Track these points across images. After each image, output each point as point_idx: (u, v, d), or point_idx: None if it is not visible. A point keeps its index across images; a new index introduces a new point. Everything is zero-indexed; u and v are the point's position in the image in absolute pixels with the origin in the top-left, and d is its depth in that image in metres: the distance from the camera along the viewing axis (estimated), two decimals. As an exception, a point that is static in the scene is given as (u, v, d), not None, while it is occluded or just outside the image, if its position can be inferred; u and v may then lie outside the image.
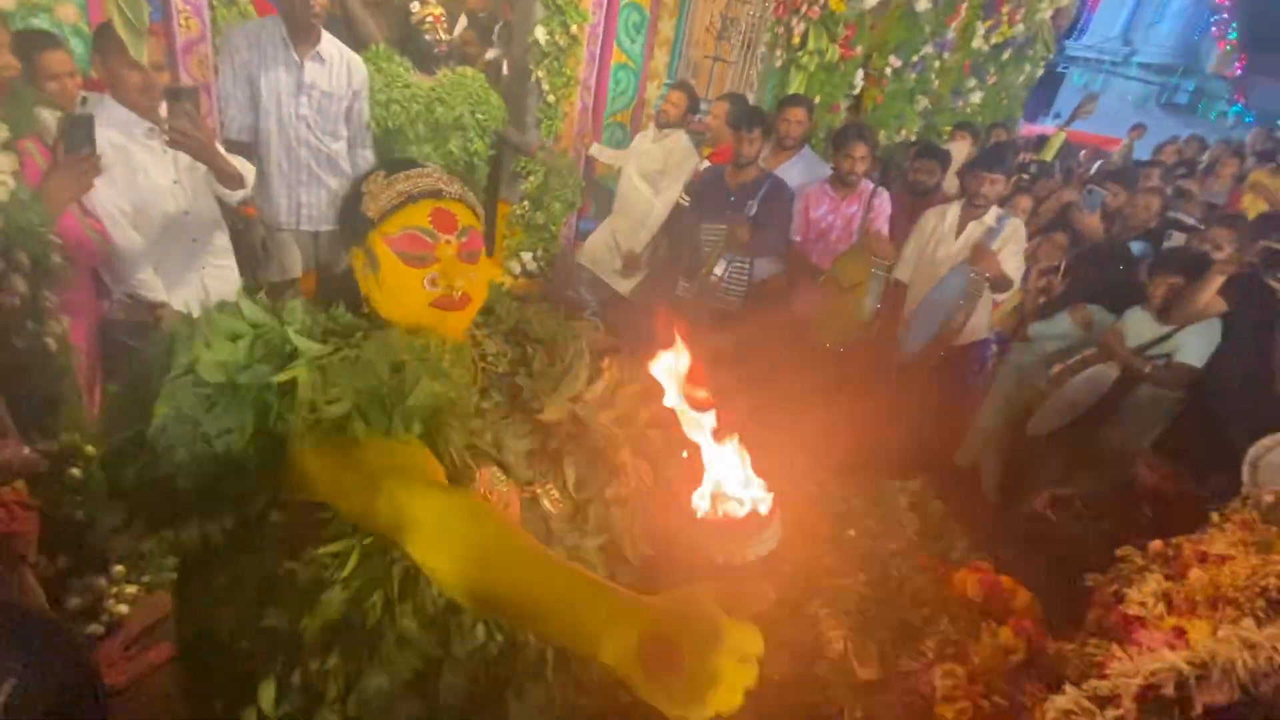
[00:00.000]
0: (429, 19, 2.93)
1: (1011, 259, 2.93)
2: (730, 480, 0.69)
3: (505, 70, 4.42)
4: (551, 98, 4.08)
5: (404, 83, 2.96)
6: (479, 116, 3.18)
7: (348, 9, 2.99)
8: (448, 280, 0.90)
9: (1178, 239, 3.15)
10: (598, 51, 4.18)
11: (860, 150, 3.03)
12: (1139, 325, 2.71)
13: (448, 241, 0.92)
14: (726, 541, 0.68)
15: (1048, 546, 2.37)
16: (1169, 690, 1.26)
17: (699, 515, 0.71)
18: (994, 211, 2.96)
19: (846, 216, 3.17)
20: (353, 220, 0.94)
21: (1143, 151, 7.65)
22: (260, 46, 2.59)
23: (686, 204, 3.36)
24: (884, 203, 3.16)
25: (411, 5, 2.92)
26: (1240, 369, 2.44)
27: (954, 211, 3.03)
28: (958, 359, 3.14)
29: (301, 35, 2.58)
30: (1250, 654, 1.20)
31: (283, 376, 0.76)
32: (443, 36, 3.03)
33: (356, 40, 2.94)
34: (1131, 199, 3.46)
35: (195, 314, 0.86)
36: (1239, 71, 11.04)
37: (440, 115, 3.05)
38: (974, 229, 2.94)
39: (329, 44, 2.68)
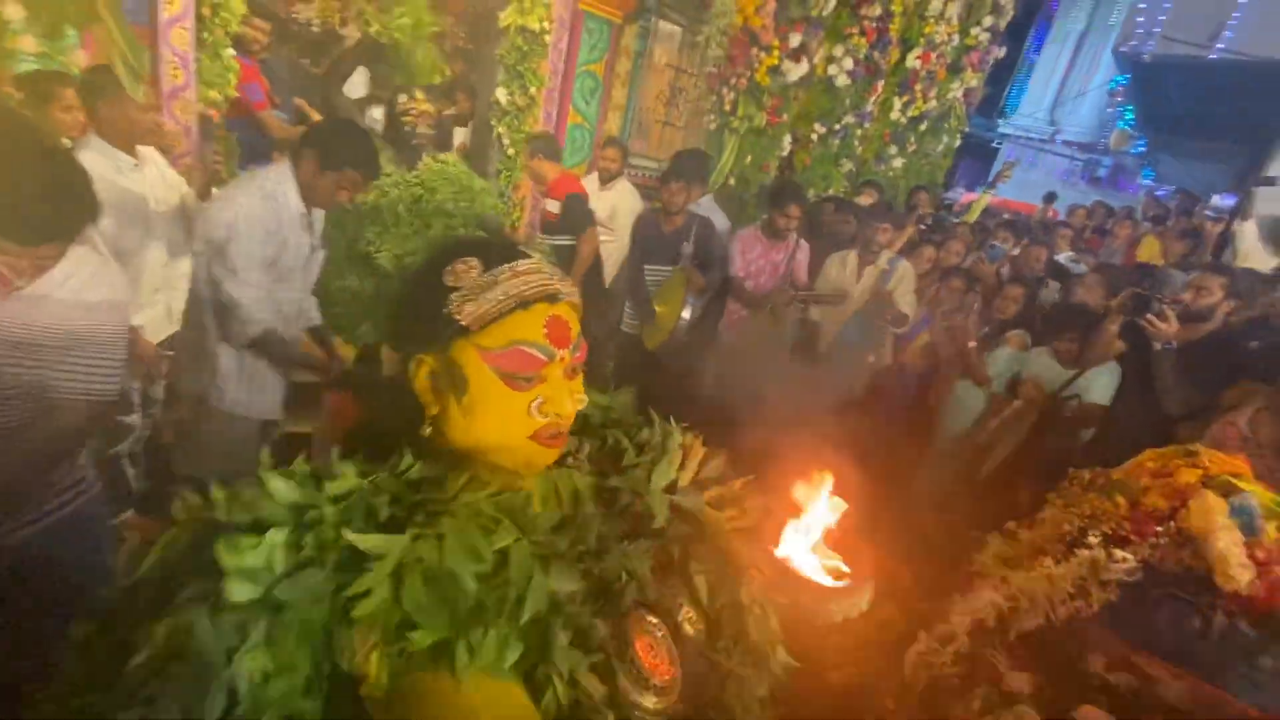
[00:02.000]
0: (412, 111, 2.93)
1: (904, 297, 3.34)
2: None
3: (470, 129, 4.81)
4: (511, 151, 4.47)
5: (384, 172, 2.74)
6: (462, 204, 3.00)
7: (331, 104, 3.13)
8: (557, 407, 0.71)
9: (1053, 286, 3.60)
10: (554, 112, 4.61)
11: (794, 210, 3.46)
12: (1048, 369, 3.03)
13: (562, 359, 0.72)
14: (822, 599, 0.76)
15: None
16: (990, 622, 1.52)
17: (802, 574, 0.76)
18: (885, 255, 3.38)
19: (774, 263, 3.57)
20: (425, 322, 0.71)
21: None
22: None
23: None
24: (804, 253, 3.58)
25: (399, 98, 2.98)
26: (1135, 399, 2.75)
27: (852, 258, 3.44)
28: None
29: None
30: (1049, 585, 1.47)
31: (354, 590, 0.56)
32: (421, 131, 2.98)
33: None
34: (1025, 250, 3.93)
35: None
36: (1140, 149, 12.26)
37: (424, 201, 2.90)
38: (870, 273, 3.34)
39: None
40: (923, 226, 4.00)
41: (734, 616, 0.81)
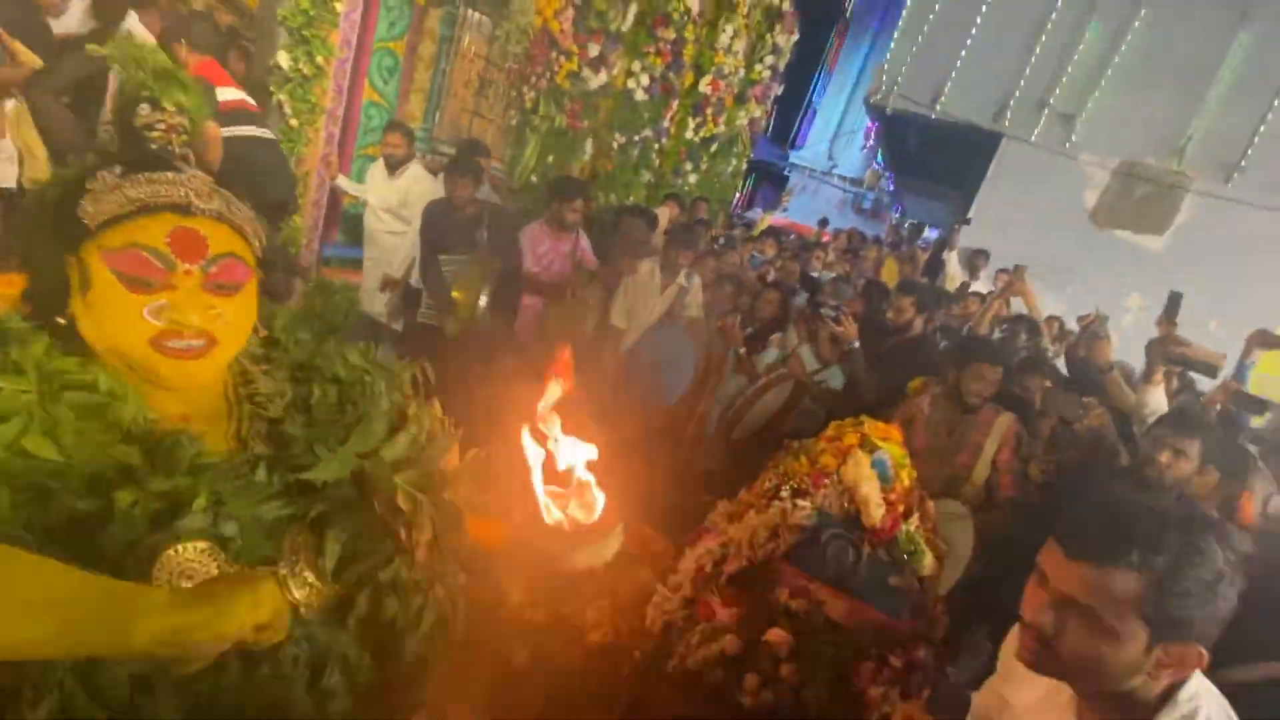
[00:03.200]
0: (159, 125, 2.32)
1: (693, 307, 3.72)
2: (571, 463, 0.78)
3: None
4: (295, 121, 4.13)
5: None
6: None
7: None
8: (178, 314, 0.71)
9: (802, 295, 4.26)
10: (346, 85, 4.35)
11: (579, 204, 3.66)
12: (808, 358, 3.56)
13: (188, 271, 0.71)
14: (568, 546, 0.75)
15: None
16: (708, 567, 1.79)
17: (547, 521, 0.76)
18: (684, 272, 3.71)
19: (563, 253, 3.74)
20: (64, 221, 0.71)
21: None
22: None
23: None
24: (585, 240, 3.85)
25: (140, 109, 2.30)
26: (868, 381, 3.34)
27: (657, 272, 3.71)
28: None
29: None
30: (751, 532, 1.78)
31: None
32: (174, 148, 2.42)
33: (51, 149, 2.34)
34: (783, 264, 4.57)
35: None
36: (890, 187, 14.67)
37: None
38: (672, 289, 3.64)
39: None
40: (716, 246, 4.45)
41: (374, 603, 0.82)
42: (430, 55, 5.06)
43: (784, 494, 1.78)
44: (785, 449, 2.20)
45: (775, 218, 11.50)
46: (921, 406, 2.71)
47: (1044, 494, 2.36)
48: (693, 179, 6.30)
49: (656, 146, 5.37)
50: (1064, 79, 7.45)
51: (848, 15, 19.18)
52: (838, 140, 20.92)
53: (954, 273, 7.05)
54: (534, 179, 4.33)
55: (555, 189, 3.74)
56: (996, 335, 4.21)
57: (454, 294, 3.60)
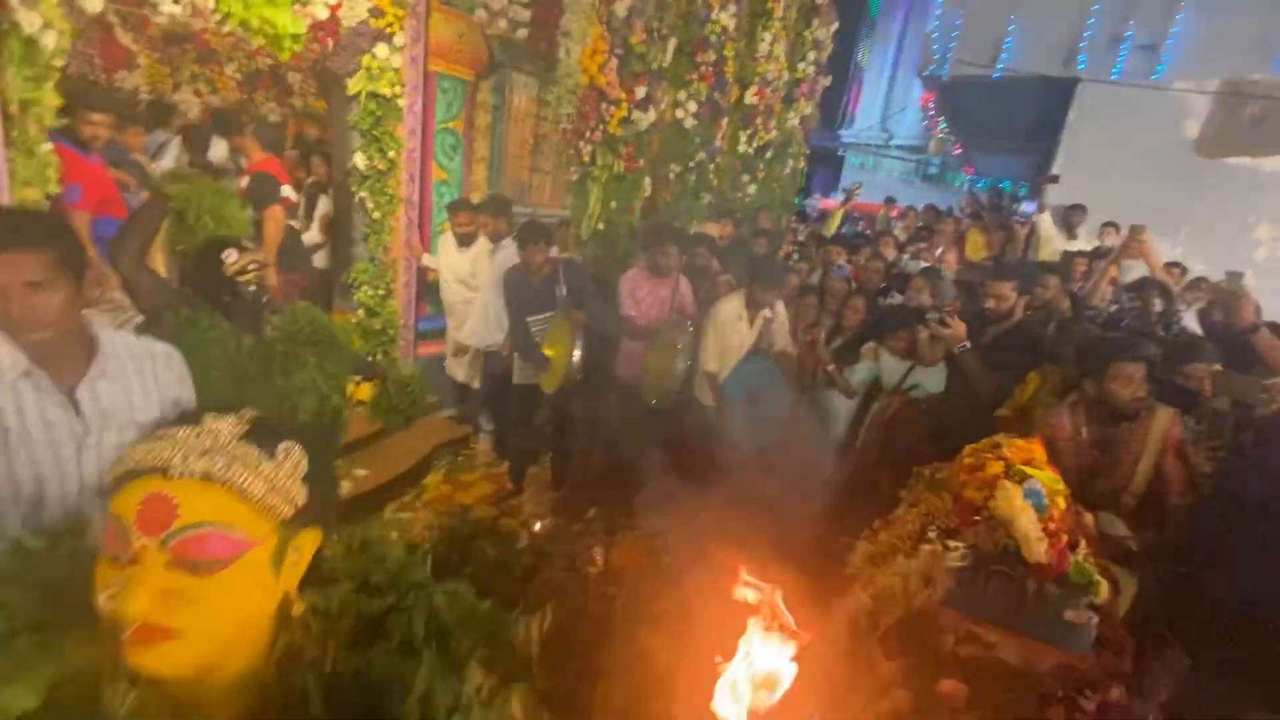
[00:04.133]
0: (251, 266, 2.15)
1: (783, 335, 3.66)
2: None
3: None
4: (376, 214, 4.42)
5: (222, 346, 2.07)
6: (328, 368, 2.23)
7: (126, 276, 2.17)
8: (119, 600, 0.59)
9: (895, 297, 4.07)
10: (417, 171, 4.61)
11: (672, 249, 3.70)
12: (893, 369, 3.41)
13: (146, 545, 0.61)
14: None
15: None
16: (861, 619, 1.73)
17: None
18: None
19: (661, 298, 3.79)
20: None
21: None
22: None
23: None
24: (687, 286, 3.85)
25: (225, 255, 2.12)
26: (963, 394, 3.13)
27: (740, 304, 3.65)
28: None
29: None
30: (903, 581, 1.71)
31: None
32: (267, 285, 2.25)
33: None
34: (865, 267, 4.41)
35: None
36: (957, 151, 13.93)
37: (281, 382, 2.13)
38: (758, 322, 3.60)
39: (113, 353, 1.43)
40: (791, 262, 4.37)
41: None
42: (486, 125, 5.29)
43: (931, 535, 1.71)
44: (916, 477, 2.11)
45: (837, 200, 11.20)
46: (1062, 422, 2.46)
47: (1221, 485, 2.12)
48: (751, 189, 6.24)
49: (712, 166, 5.36)
50: (1139, 5, 6.86)
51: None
52: (889, 112, 20.22)
53: (1048, 235, 6.59)
54: (601, 226, 4.42)
55: (650, 236, 3.80)
56: (1122, 305, 3.88)
57: (547, 351, 3.73)
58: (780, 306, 3.71)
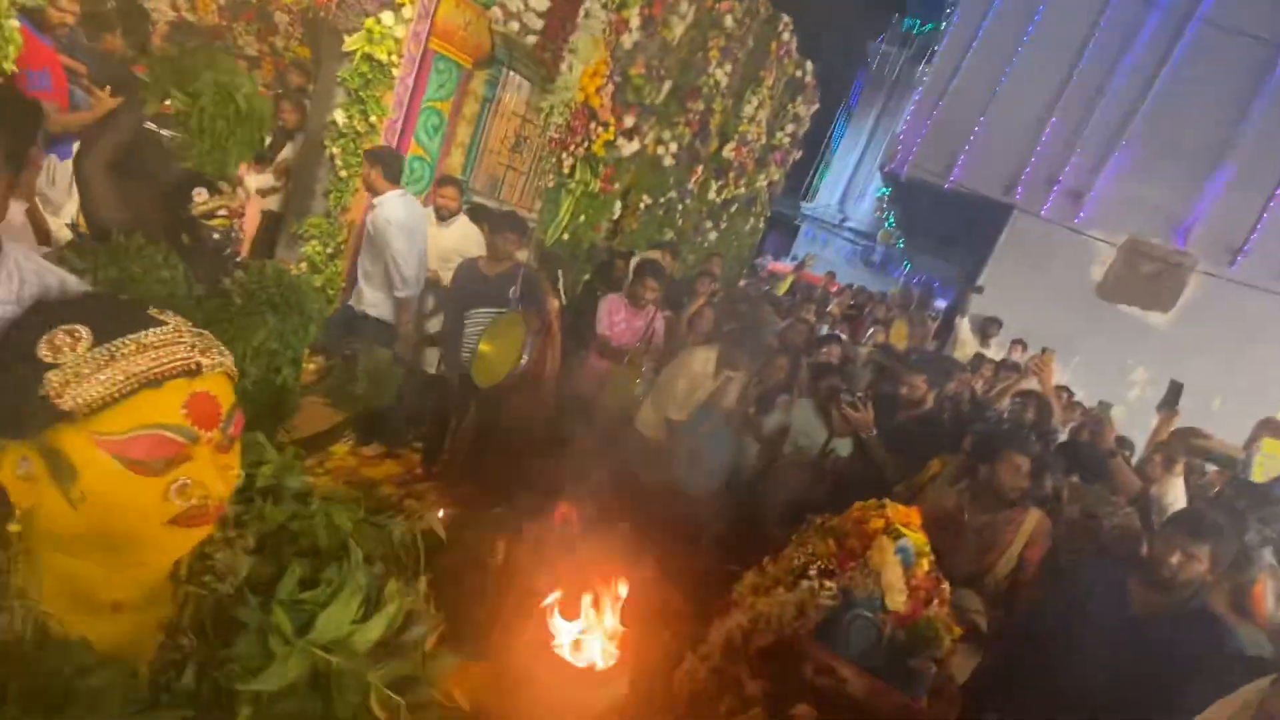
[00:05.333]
0: (220, 212, 2.03)
1: (735, 394, 3.84)
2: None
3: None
4: (344, 173, 4.37)
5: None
6: (289, 337, 2.01)
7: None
8: (205, 490, 0.62)
9: (821, 354, 4.40)
10: (395, 142, 4.60)
11: (653, 284, 3.84)
12: (811, 426, 3.67)
13: (210, 439, 0.63)
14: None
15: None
16: (738, 640, 1.88)
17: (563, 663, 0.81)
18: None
19: (635, 327, 3.95)
20: (10, 404, 0.58)
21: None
22: None
23: None
24: (662, 322, 4.01)
25: (195, 194, 2.00)
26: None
27: (712, 359, 3.70)
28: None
29: None
30: (780, 609, 1.88)
31: None
32: (237, 233, 2.19)
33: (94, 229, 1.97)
34: (791, 327, 4.75)
35: None
36: (901, 245, 15.04)
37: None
38: (722, 380, 3.69)
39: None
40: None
41: None
42: (472, 114, 5.35)
43: (811, 573, 1.89)
44: (808, 524, 2.31)
45: (788, 265, 11.81)
46: (949, 504, 2.70)
47: (1063, 583, 2.42)
48: (713, 236, 6.55)
49: (680, 207, 5.61)
50: (1073, 157, 7.75)
51: (859, 87, 20.07)
52: (849, 195, 21.54)
53: (965, 339, 7.23)
54: (565, 237, 4.54)
55: (637, 270, 3.94)
56: (1005, 406, 4.32)
57: (482, 346, 3.75)
58: (742, 374, 3.89)
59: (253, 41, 7.05)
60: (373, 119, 4.33)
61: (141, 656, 0.66)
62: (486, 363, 3.75)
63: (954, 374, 4.07)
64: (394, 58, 4.32)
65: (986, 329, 7.01)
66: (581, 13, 4.08)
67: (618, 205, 4.72)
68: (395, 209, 3.51)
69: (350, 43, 4.17)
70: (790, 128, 6.69)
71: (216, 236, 2.05)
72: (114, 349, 0.58)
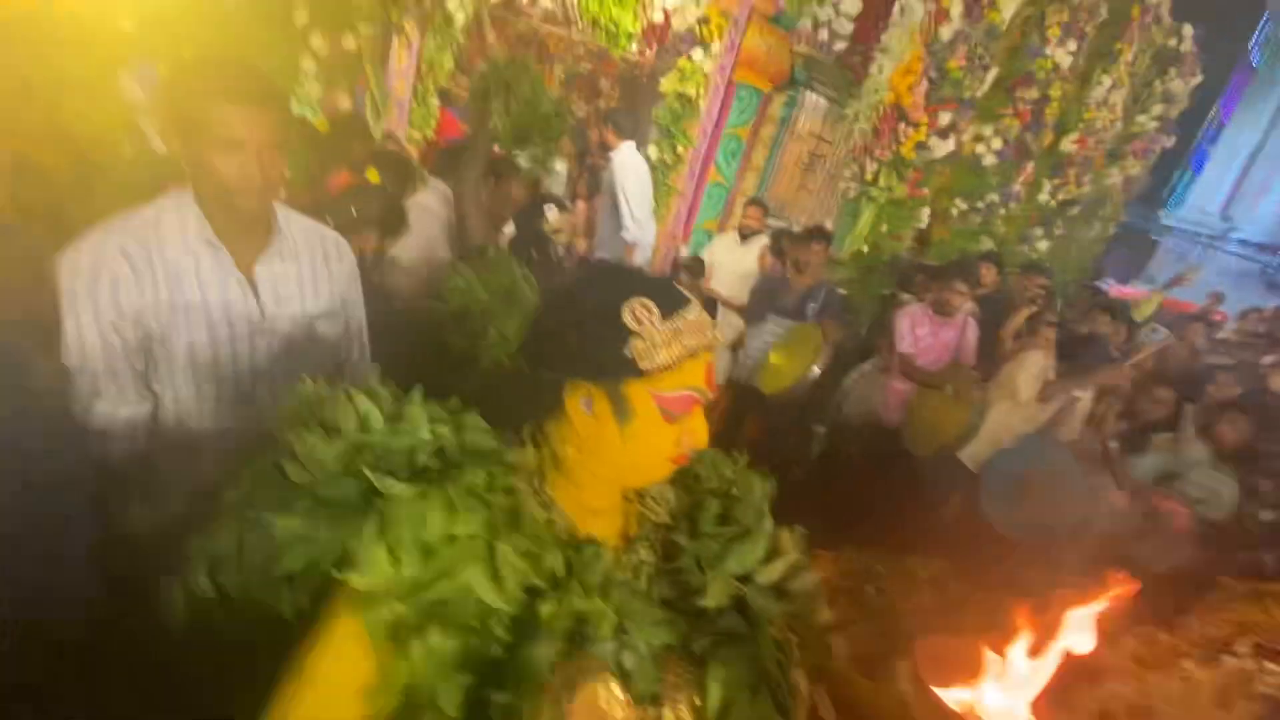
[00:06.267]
0: (564, 228, 2.23)
1: (1079, 422, 3.18)
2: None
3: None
4: (653, 204, 4.80)
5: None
6: None
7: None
8: (698, 440, 0.76)
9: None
10: (698, 169, 4.92)
11: (962, 287, 3.37)
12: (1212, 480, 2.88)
13: (705, 400, 0.77)
14: None
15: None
16: (1121, 717, 1.45)
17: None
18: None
19: (944, 342, 3.47)
20: (601, 357, 0.72)
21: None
22: None
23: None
24: (974, 332, 3.47)
25: (548, 210, 2.29)
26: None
27: (1047, 364, 3.18)
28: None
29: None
30: (1186, 688, 1.40)
31: (356, 557, 0.63)
32: (574, 248, 2.41)
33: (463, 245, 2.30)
34: (1170, 348, 3.68)
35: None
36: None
37: None
38: (1062, 399, 3.12)
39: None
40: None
41: None
42: (769, 137, 5.47)
43: (1240, 649, 1.37)
44: (1222, 589, 1.71)
45: (1142, 290, 9.37)
46: None
47: None
48: (1042, 245, 5.56)
49: (1003, 211, 4.89)
50: None
51: (1251, 54, 15.30)
52: (1236, 198, 16.55)
53: None
54: (865, 249, 4.29)
55: (936, 270, 3.58)
56: None
57: (771, 358, 3.70)
58: (1089, 395, 3.21)
59: (583, 105, 8.33)
60: (680, 150, 4.70)
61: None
62: (773, 372, 3.69)
63: None
64: (701, 90, 4.64)
65: None
66: (896, 9, 3.86)
67: (925, 212, 4.29)
68: (628, 155, 3.92)
69: (665, 84, 4.60)
70: (1158, 109, 5.38)
71: (562, 252, 2.25)
72: (676, 326, 0.72)
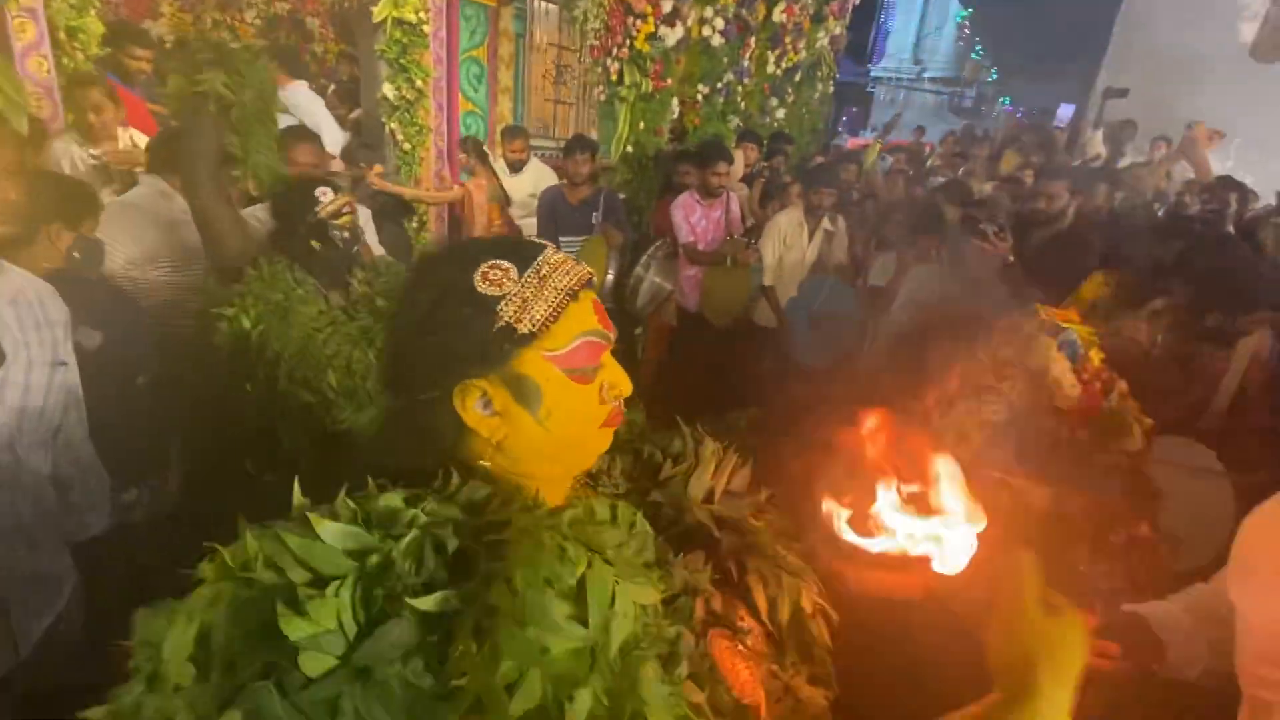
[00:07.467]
0: (345, 209, 1.84)
1: (841, 251, 3.64)
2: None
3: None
4: (407, 146, 4.47)
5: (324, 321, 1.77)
6: None
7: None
8: (621, 388, 0.69)
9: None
10: (445, 101, 4.63)
11: (723, 167, 3.64)
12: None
13: (612, 339, 0.69)
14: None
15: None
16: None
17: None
18: (827, 216, 3.61)
19: (715, 219, 3.75)
20: (475, 343, 0.62)
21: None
22: None
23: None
24: (736, 203, 3.81)
25: (320, 194, 1.80)
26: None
27: (799, 214, 3.62)
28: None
29: None
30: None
31: (454, 665, 0.46)
32: (360, 229, 1.93)
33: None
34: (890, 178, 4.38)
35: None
36: (992, 77, 13.35)
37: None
38: (819, 236, 3.57)
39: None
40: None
41: (797, 628, 0.75)
42: (509, 54, 5.28)
43: (965, 394, 1.76)
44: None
45: (867, 139, 10.84)
46: (1140, 332, 2.29)
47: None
48: (780, 114, 6.12)
49: (740, 89, 5.27)
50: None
51: None
52: (922, 41, 19.31)
53: (1096, 152, 6.38)
54: (629, 149, 4.42)
55: (697, 157, 3.74)
56: (1197, 206, 3.76)
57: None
58: (841, 223, 3.67)
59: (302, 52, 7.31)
60: (418, 83, 4.36)
61: None
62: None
63: (1093, 183, 3.58)
64: (422, 14, 4.29)
65: (1120, 135, 6.12)
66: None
67: (675, 103, 4.50)
68: (304, 98, 3.92)
69: (378, 11, 4.18)
70: (841, -31, 6.02)
71: (346, 235, 1.84)
72: (538, 271, 0.64)
